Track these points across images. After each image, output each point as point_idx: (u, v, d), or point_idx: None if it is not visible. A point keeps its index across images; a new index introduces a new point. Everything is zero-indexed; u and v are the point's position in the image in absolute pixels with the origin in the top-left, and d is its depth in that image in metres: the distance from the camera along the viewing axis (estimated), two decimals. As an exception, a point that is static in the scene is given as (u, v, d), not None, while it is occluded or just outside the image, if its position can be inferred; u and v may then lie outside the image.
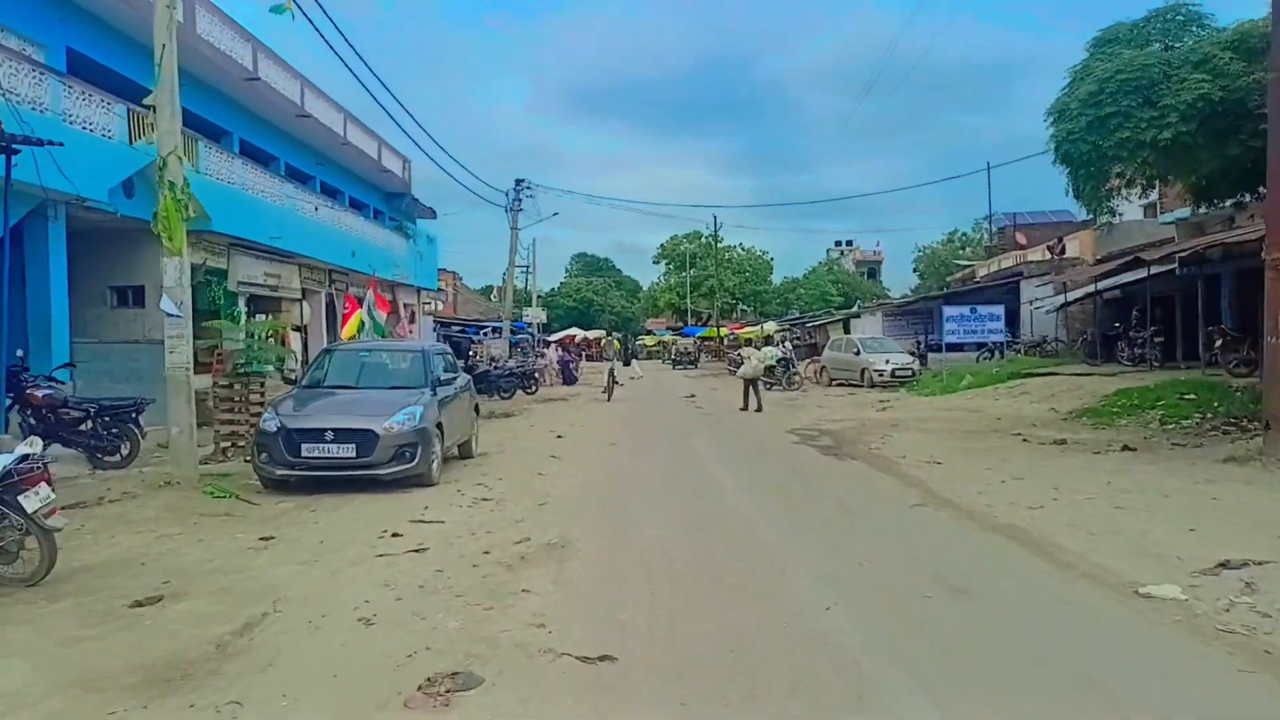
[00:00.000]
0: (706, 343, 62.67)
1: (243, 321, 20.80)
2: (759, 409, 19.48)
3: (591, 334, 71.06)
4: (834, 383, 30.16)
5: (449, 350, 13.25)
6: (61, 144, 11.29)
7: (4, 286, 9.77)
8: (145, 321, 16.63)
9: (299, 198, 22.73)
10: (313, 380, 11.02)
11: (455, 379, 12.09)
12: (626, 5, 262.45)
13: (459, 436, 11.72)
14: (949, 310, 25.00)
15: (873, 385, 27.28)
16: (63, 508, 6.42)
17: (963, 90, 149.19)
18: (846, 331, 39.97)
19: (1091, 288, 26.11)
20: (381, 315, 18.66)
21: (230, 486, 9.56)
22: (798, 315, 56.61)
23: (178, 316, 9.87)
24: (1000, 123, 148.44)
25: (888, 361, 27.54)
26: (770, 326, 47.36)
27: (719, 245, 69.97)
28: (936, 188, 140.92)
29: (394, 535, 7.46)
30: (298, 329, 23.16)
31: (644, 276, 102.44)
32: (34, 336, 14.09)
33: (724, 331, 63.09)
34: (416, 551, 6.89)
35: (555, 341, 44.45)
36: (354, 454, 9.40)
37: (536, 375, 30.27)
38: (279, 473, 9.46)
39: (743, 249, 78.24)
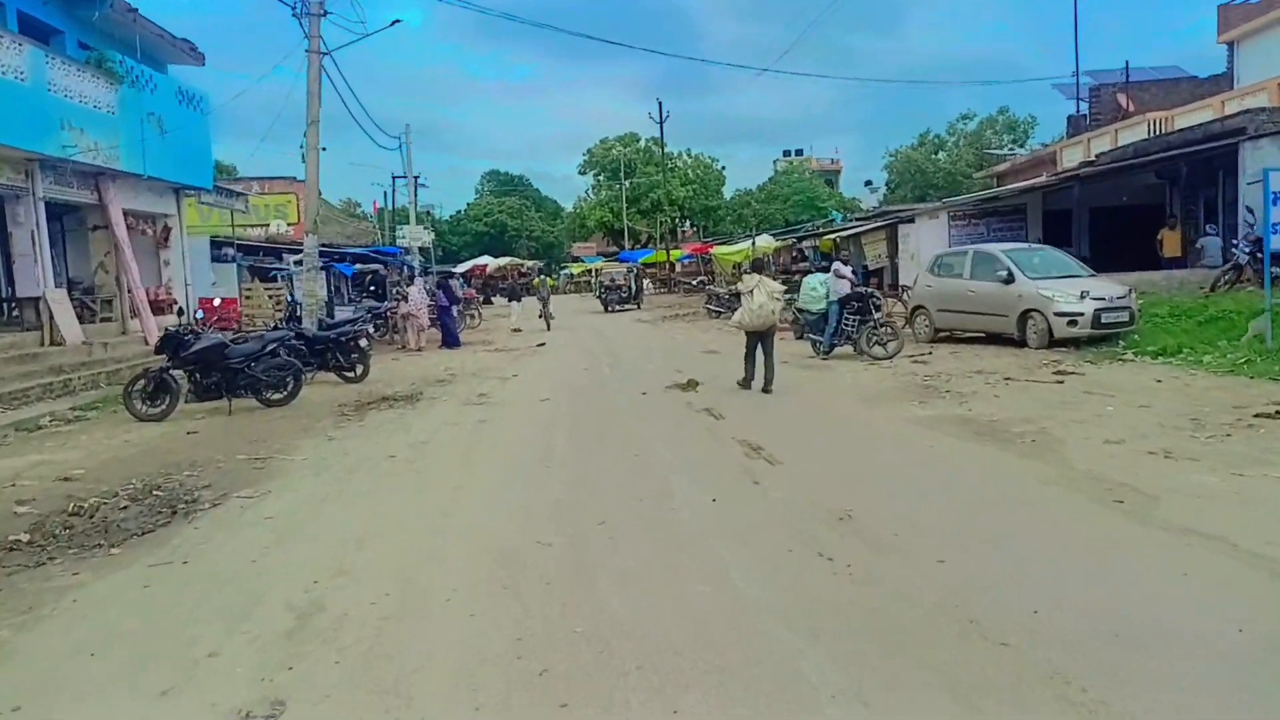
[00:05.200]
0: (650, 270, 47.84)
1: None
2: (768, 386, 10.61)
3: (504, 261, 55.72)
4: (940, 334, 16.12)
5: None
6: None
7: None
8: None
9: None
10: None
11: None
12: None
13: None
14: (1282, 175, 10.89)
15: (1051, 342, 13.34)
16: None
17: (857, 14, 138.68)
18: (892, 244, 25.83)
19: None
20: None
21: None
22: (799, 227, 42.01)
23: None
24: (896, 45, 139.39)
25: (1082, 295, 13.43)
26: (765, 241, 32.69)
27: (664, 152, 54.79)
28: (848, 113, 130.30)
29: None
30: None
31: (566, 201, 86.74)
32: None
33: (677, 254, 48.43)
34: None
35: (435, 276, 29.26)
36: None
37: (368, 341, 15.37)
38: None
39: (690, 155, 63.31)
